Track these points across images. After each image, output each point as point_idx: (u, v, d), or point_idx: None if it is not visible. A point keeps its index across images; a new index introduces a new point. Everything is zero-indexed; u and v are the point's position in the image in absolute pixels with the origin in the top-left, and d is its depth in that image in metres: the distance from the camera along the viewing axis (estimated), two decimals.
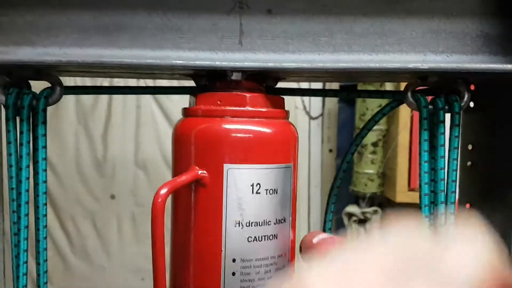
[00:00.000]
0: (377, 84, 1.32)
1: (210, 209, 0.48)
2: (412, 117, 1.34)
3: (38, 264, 0.53)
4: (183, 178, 0.47)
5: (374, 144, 1.45)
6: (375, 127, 1.45)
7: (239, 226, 0.48)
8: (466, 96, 0.54)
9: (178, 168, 0.51)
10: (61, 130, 1.77)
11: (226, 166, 0.47)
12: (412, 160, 1.36)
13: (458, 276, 0.23)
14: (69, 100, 1.73)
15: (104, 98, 1.76)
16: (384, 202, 1.62)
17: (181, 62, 0.47)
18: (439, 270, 0.23)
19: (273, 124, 0.50)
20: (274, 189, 0.49)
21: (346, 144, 1.72)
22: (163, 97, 1.77)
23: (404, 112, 1.35)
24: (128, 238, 1.79)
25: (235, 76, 0.48)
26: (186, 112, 0.52)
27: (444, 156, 0.55)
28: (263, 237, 0.49)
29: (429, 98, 0.56)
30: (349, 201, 1.59)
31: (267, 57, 0.50)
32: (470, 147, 0.62)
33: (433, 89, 0.55)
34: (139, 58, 0.48)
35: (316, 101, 1.82)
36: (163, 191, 0.45)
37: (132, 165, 1.78)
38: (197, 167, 0.48)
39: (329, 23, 0.51)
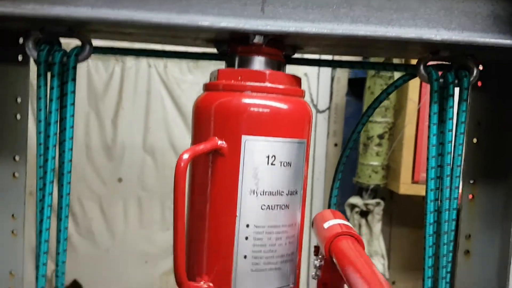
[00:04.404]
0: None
1: (227, 177, 0.51)
2: (419, 110, 1.37)
3: (60, 220, 0.55)
4: (203, 146, 0.50)
5: (380, 136, 1.48)
6: (381, 119, 1.48)
7: (254, 194, 0.51)
8: (475, 72, 0.56)
9: (197, 139, 0.53)
10: None
11: (244, 138, 0.50)
12: (417, 153, 1.38)
13: None
14: (80, 84, 1.76)
15: (115, 82, 1.78)
16: (387, 195, 1.64)
17: (207, 23, 0.50)
18: None
19: (290, 100, 0.53)
20: (288, 162, 0.52)
21: None
22: (173, 85, 1.80)
23: (411, 105, 1.37)
24: (133, 221, 1.82)
25: (257, 39, 0.51)
26: (207, 86, 0.55)
27: (451, 130, 0.57)
28: (276, 206, 0.52)
29: (440, 73, 0.58)
30: (353, 192, 1.61)
31: (288, 24, 0.52)
32: (476, 124, 0.65)
33: (444, 65, 0.58)
34: (167, 19, 0.51)
35: (324, 94, 1.84)
36: (186, 156, 0.48)
37: (140, 150, 1.81)
38: (216, 138, 0.51)
39: None
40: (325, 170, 1.90)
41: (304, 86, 1.80)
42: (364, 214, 1.57)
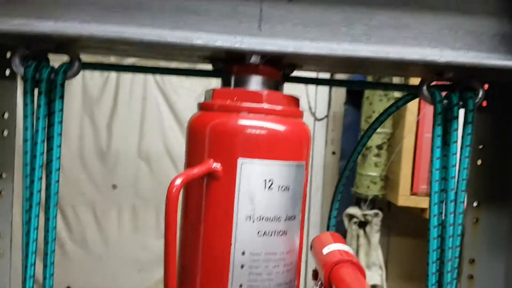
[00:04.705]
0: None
1: (222, 202, 0.48)
2: (418, 122, 1.34)
3: (47, 220, 0.53)
4: (197, 170, 0.47)
5: (379, 147, 1.46)
6: (380, 130, 1.46)
7: (250, 220, 0.48)
8: (480, 93, 0.54)
9: (191, 161, 0.51)
10: (66, 119, 1.76)
11: (240, 161, 0.48)
12: (415, 164, 1.36)
13: None
14: (75, 88, 1.74)
15: (110, 88, 1.76)
16: (385, 205, 1.62)
17: (201, 42, 0.47)
18: None
19: (288, 122, 0.50)
20: (286, 186, 0.50)
21: (351, 147, 1.72)
22: (170, 91, 1.78)
23: (410, 116, 1.35)
24: (127, 228, 1.80)
25: (254, 59, 0.49)
26: (202, 106, 0.52)
27: (456, 154, 0.55)
28: (273, 233, 0.49)
29: (443, 94, 0.56)
30: (350, 202, 1.59)
31: (286, 43, 0.50)
32: (480, 146, 0.63)
33: (448, 85, 0.55)
34: (159, 37, 0.48)
35: (322, 102, 1.83)
36: (178, 181, 0.45)
37: (135, 156, 1.78)
38: (211, 160, 0.48)
39: (348, 13, 0.51)
40: (323, 178, 1.88)
41: (302, 93, 1.79)
42: (362, 224, 1.55)
